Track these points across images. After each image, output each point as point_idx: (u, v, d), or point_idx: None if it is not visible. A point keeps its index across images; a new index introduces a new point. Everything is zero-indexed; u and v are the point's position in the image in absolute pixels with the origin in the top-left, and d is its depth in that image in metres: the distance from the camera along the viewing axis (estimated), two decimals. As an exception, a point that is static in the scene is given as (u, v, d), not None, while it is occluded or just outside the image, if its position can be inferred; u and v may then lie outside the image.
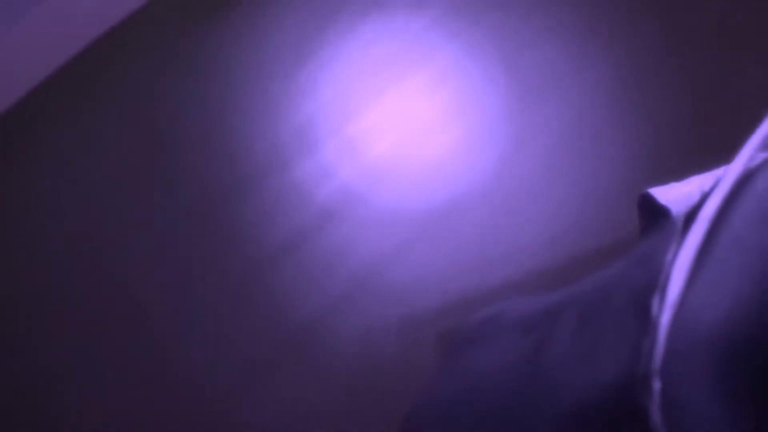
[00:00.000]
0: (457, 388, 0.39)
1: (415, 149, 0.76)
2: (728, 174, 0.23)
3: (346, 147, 0.77)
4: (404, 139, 0.75)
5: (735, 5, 0.77)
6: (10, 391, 0.73)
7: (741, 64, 0.75)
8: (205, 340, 0.73)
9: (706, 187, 0.24)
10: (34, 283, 0.76)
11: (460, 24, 0.79)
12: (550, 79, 0.76)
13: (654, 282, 0.23)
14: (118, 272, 0.74)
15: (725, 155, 0.73)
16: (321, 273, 0.74)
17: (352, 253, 0.74)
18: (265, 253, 0.75)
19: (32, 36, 0.73)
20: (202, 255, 0.75)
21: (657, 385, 0.22)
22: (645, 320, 0.23)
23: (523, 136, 0.74)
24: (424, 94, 0.78)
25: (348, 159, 0.76)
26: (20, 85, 0.77)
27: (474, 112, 0.76)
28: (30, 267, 0.76)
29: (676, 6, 0.78)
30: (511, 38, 0.78)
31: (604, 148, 0.74)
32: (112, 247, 0.76)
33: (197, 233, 0.75)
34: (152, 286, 0.75)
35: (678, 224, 0.23)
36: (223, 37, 0.80)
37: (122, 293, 0.74)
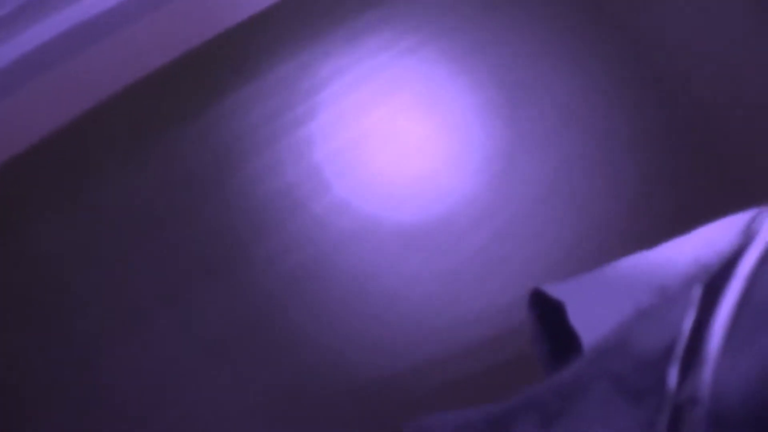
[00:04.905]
0: None
1: (410, 166, 0.76)
2: (765, 233, 0.23)
3: (342, 162, 0.77)
4: (398, 157, 0.75)
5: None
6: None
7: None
8: (222, 370, 0.72)
9: (725, 251, 0.23)
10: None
11: (455, 45, 0.79)
12: (545, 98, 0.76)
13: (664, 355, 0.23)
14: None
15: (719, 196, 0.73)
16: (313, 284, 0.74)
17: (343, 264, 0.74)
18: (284, 282, 0.74)
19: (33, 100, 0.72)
20: (223, 284, 0.74)
21: None
22: (654, 395, 0.23)
23: (515, 154, 0.74)
24: (418, 113, 0.77)
25: (345, 175, 0.76)
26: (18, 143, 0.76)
27: (466, 131, 0.76)
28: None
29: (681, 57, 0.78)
30: (512, 70, 0.78)
31: (598, 170, 0.74)
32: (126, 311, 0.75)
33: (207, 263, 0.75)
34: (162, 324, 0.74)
35: (694, 295, 0.23)
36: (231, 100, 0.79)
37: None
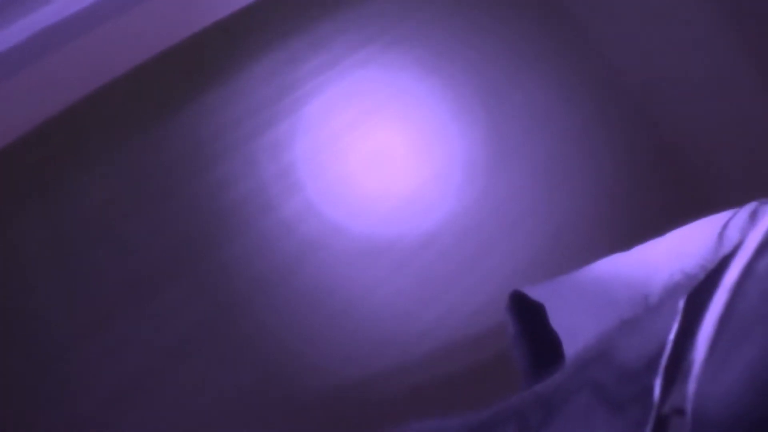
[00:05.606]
0: None
1: (394, 182, 0.76)
2: (749, 243, 0.23)
3: (313, 166, 0.76)
4: (383, 173, 0.75)
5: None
6: None
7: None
8: (187, 372, 0.72)
9: (707, 260, 0.24)
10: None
11: (439, 61, 0.78)
12: (527, 115, 0.76)
13: (647, 366, 0.23)
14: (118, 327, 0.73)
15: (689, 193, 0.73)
16: (303, 305, 0.73)
17: (332, 285, 0.74)
18: (251, 285, 0.74)
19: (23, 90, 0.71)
20: (189, 285, 0.74)
21: None
22: (637, 405, 0.23)
23: (497, 170, 0.74)
24: (401, 129, 0.77)
25: (316, 179, 0.76)
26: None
27: (450, 147, 0.75)
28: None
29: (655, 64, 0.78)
30: (490, 79, 0.78)
31: (576, 182, 0.74)
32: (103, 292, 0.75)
33: (186, 269, 0.74)
34: (142, 321, 0.74)
35: (679, 306, 0.23)
36: (212, 99, 0.79)
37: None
